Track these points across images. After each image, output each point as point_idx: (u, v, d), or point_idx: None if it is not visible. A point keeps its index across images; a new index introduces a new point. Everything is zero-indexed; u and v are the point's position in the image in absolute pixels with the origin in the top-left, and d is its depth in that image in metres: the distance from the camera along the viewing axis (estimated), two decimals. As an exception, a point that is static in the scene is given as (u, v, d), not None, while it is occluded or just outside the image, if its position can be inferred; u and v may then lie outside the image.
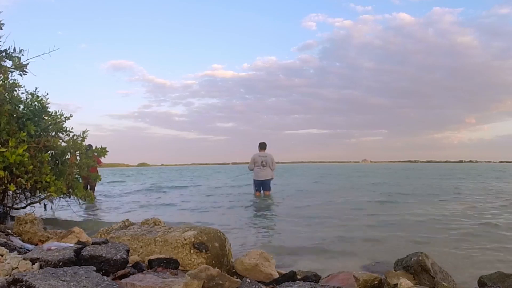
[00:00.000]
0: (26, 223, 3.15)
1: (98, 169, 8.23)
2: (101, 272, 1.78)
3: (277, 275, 2.31)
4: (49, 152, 4.40)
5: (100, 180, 5.59)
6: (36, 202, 4.76)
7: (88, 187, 7.78)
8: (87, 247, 2.06)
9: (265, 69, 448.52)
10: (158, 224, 3.20)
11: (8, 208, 4.72)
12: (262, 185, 9.00)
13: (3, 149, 3.56)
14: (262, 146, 9.07)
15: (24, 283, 1.42)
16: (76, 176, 4.85)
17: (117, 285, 1.59)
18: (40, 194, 4.54)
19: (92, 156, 4.88)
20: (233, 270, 2.45)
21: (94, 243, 2.22)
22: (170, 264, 2.22)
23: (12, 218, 4.38)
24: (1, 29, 4.18)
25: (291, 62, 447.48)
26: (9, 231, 3.14)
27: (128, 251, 2.11)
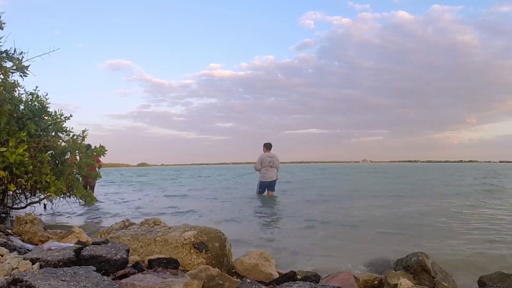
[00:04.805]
0: (26, 223, 3.14)
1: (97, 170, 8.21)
2: (101, 272, 1.78)
3: (277, 275, 2.31)
4: (49, 152, 4.40)
5: (101, 177, 5.60)
6: (36, 202, 4.76)
7: (88, 187, 7.77)
8: (87, 247, 2.06)
9: (264, 68, 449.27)
10: (158, 224, 3.19)
11: (8, 208, 4.71)
12: (268, 186, 8.98)
13: (3, 149, 3.56)
14: (268, 147, 9.02)
15: (24, 283, 1.42)
16: (76, 176, 4.85)
17: (117, 285, 1.59)
18: (40, 194, 4.54)
19: (92, 156, 4.88)
20: (233, 270, 2.45)
21: (94, 243, 2.22)
22: (170, 264, 2.22)
23: (12, 218, 4.38)
24: (2, 29, 4.18)
25: (290, 61, 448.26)
26: (9, 231, 3.14)
27: (128, 251, 2.11)
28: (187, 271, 1.96)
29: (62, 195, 4.62)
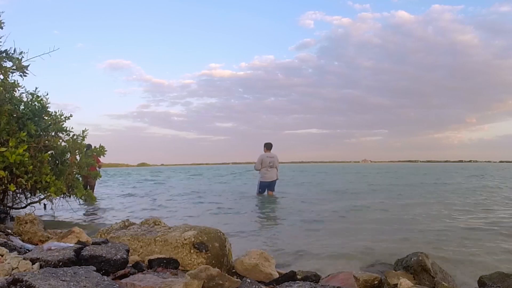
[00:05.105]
0: (26, 223, 3.14)
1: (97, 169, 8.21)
2: (101, 272, 1.78)
3: (277, 275, 2.31)
4: (49, 152, 4.40)
5: (100, 177, 5.60)
6: (36, 202, 4.76)
7: (88, 186, 7.78)
8: (87, 247, 2.06)
9: (263, 68, 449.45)
10: (158, 224, 3.19)
11: (8, 208, 4.71)
12: (268, 186, 8.99)
13: (3, 149, 3.57)
14: (269, 147, 9.02)
15: (24, 283, 1.42)
16: (76, 175, 4.85)
17: (117, 285, 1.59)
18: (40, 194, 4.54)
19: (92, 156, 4.88)
20: (233, 270, 2.45)
21: (94, 243, 2.22)
22: (170, 264, 2.22)
23: (12, 218, 4.38)
24: (2, 28, 4.18)
25: (289, 61, 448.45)
26: (9, 231, 3.14)
27: (128, 251, 2.11)
28: (187, 271, 1.96)
29: (62, 195, 4.62)
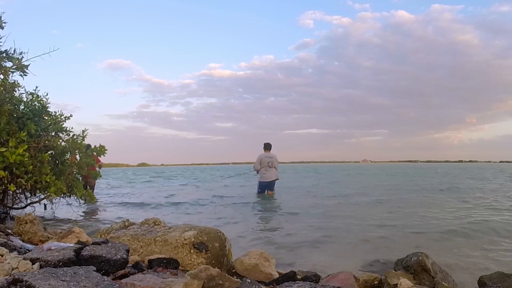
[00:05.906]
0: (26, 223, 3.14)
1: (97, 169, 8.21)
2: (101, 272, 1.78)
3: (277, 275, 2.31)
4: (49, 152, 4.41)
5: (101, 177, 5.60)
6: (36, 202, 4.76)
7: (87, 186, 7.78)
8: (87, 247, 2.06)
9: (263, 68, 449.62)
10: (158, 224, 3.19)
11: (8, 208, 4.72)
12: (267, 187, 8.99)
13: (3, 149, 3.57)
14: (268, 147, 9.04)
15: (24, 283, 1.42)
16: (76, 175, 4.85)
17: (117, 285, 1.59)
18: (40, 194, 4.55)
19: (92, 156, 4.89)
20: (233, 270, 2.45)
21: (94, 243, 2.21)
22: (170, 264, 2.22)
23: (12, 218, 4.38)
24: (2, 28, 4.18)
25: (289, 61, 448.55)
26: (9, 231, 3.14)
27: (128, 251, 2.11)
28: (187, 271, 1.96)
29: (62, 195, 4.63)
